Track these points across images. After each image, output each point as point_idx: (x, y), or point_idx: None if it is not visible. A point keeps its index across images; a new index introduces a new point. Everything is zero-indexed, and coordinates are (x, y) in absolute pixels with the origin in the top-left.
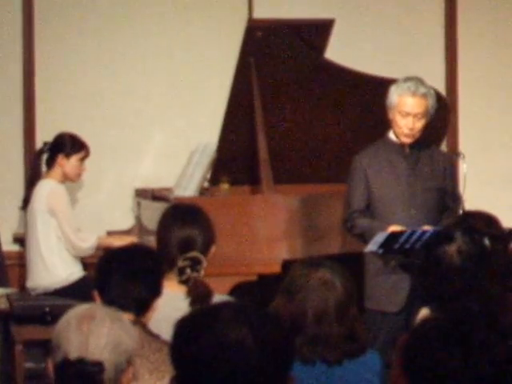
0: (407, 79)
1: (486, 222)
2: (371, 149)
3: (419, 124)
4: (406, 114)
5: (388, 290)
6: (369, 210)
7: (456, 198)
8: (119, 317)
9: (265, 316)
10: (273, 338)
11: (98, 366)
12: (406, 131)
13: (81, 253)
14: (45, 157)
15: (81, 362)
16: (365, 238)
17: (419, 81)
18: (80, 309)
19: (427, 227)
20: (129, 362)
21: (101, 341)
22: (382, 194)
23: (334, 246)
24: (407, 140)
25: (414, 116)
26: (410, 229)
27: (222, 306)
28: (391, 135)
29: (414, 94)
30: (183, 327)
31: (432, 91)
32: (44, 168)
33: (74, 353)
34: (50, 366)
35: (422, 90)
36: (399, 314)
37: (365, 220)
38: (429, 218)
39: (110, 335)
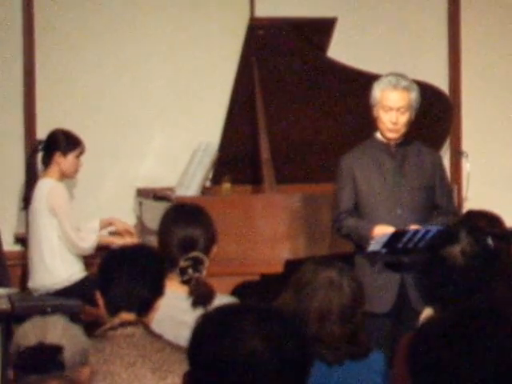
0: (388, 74)
1: (489, 221)
2: (358, 149)
3: (403, 118)
4: (389, 109)
5: (377, 291)
6: (357, 210)
7: (446, 195)
8: (71, 324)
9: (286, 327)
10: (290, 351)
11: (58, 348)
12: (390, 126)
13: (81, 252)
14: (40, 155)
15: (40, 345)
16: (352, 239)
17: (400, 75)
18: (34, 319)
19: (414, 226)
20: (86, 360)
21: (57, 332)
22: (368, 193)
23: (337, 245)
24: (392, 135)
25: (397, 110)
26: (414, 228)
27: (242, 312)
28: (377, 135)
29: (395, 87)
30: (201, 328)
31: (414, 85)
32: (40, 166)
33: (32, 341)
34: (11, 373)
35: (404, 83)
36: (389, 315)
37: (352, 220)
38: (416, 217)
39: (65, 329)
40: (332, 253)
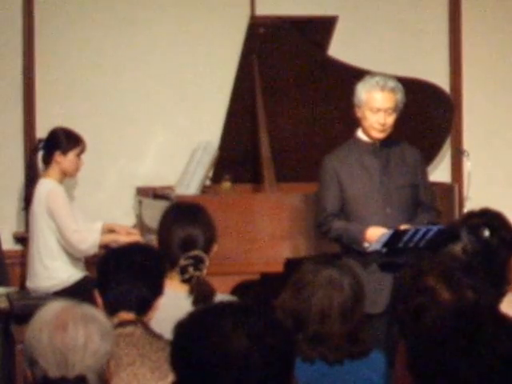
0: (373, 75)
1: (496, 220)
2: (341, 150)
3: (390, 119)
4: (377, 110)
5: (370, 291)
6: (343, 211)
7: (428, 191)
8: (92, 316)
9: (266, 321)
10: (274, 344)
11: (81, 380)
12: (378, 127)
13: (82, 253)
14: (41, 154)
15: (63, 380)
16: (341, 242)
17: (386, 75)
18: (50, 315)
19: (405, 226)
20: (109, 360)
21: (78, 355)
22: (355, 194)
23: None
24: (379, 136)
25: (385, 111)
26: (414, 227)
27: (222, 312)
28: (360, 134)
29: (382, 88)
30: (182, 334)
31: (400, 85)
32: (41, 165)
33: (53, 371)
34: (29, 375)
35: (391, 84)
36: (383, 315)
37: (340, 223)
38: (404, 216)
39: (86, 345)
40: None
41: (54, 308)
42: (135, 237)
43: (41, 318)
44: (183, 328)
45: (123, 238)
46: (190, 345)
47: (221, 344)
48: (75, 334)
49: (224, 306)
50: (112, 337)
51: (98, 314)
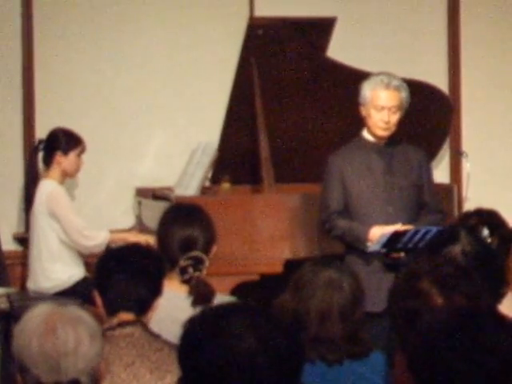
0: (378, 73)
1: (499, 220)
2: (345, 149)
3: (394, 117)
4: (381, 108)
5: (371, 290)
6: (346, 209)
7: (433, 192)
8: (79, 317)
9: (275, 323)
10: (283, 347)
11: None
12: (383, 125)
13: (88, 251)
14: (41, 155)
15: None
16: (345, 240)
17: (391, 74)
18: (37, 320)
19: (406, 226)
20: (99, 361)
21: (70, 359)
22: (359, 193)
23: (336, 245)
24: (384, 133)
25: (389, 109)
26: (414, 228)
27: (232, 312)
28: (365, 134)
29: (387, 86)
30: (191, 332)
31: (404, 84)
32: (41, 165)
33: (46, 378)
34: (20, 381)
35: (395, 82)
36: (383, 314)
37: (344, 221)
38: (406, 215)
39: (77, 349)
40: (328, 253)
41: (40, 313)
42: (145, 237)
43: (28, 324)
44: (192, 327)
45: (133, 238)
46: (198, 344)
47: (229, 344)
48: (65, 338)
49: (233, 306)
50: (100, 336)
51: (84, 314)
